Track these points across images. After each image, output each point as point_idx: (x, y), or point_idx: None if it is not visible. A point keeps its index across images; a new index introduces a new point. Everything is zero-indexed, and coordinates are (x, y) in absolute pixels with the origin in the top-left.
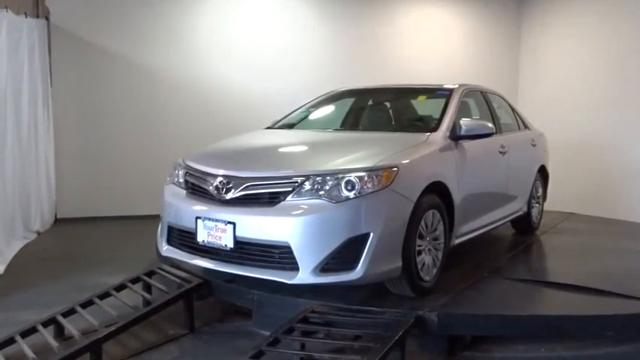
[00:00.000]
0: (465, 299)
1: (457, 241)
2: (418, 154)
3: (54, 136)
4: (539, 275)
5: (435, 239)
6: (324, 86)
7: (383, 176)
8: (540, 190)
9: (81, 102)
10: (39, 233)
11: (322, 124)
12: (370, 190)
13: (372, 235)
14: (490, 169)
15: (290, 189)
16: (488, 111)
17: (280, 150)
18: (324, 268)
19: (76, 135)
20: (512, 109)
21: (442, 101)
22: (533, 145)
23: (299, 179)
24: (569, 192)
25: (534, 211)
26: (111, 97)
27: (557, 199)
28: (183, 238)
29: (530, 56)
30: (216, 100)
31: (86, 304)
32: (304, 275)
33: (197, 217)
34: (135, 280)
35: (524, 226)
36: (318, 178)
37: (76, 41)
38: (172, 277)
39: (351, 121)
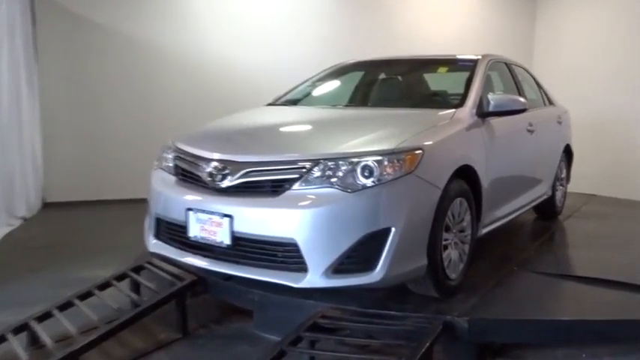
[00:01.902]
0: (495, 299)
1: (484, 231)
2: (445, 134)
3: (42, 115)
4: (573, 269)
5: (461, 231)
6: (329, 60)
7: (406, 160)
8: (564, 172)
9: (71, 79)
10: (25, 219)
11: (330, 100)
12: (391, 177)
13: (393, 229)
14: (519, 149)
15: (297, 176)
16: (514, 85)
17: (284, 130)
18: (338, 268)
19: (67, 113)
20: (537, 84)
21: (464, 74)
22: (559, 123)
23: (307, 164)
24: (589, 172)
25: (558, 194)
26: (103, 73)
27: (577, 179)
28: (173, 232)
29: (547, 26)
30: (215, 76)
31: (65, 306)
32: (314, 277)
33: (188, 209)
34: (121, 277)
35: (548, 210)
36: (329, 163)
37: (64, 13)
38: (163, 274)
39: (362, 97)
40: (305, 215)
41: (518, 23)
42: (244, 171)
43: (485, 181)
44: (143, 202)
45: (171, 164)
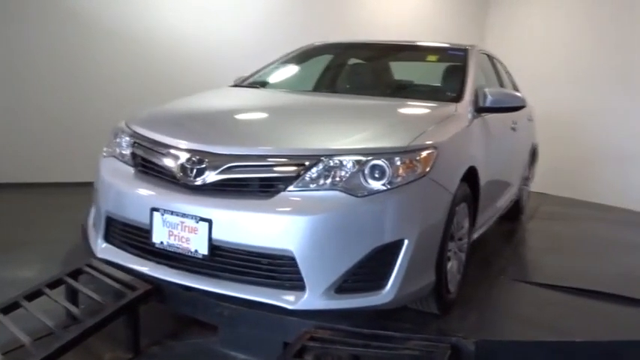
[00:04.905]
0: (494, 316)
1: (474, 237)
2: (453, 130)
3: None
4: (565, 278)
5: (460, 239)
6: (277, 43)
7: (421, 160)
8: (529, 171)
9: None
10: None
11: (310, 86)
12: (405, 180)
13: (406, 242)
14: (505, 148)
15: (294, 175)
16: (497, 79)
17: (272, 118)
18: (342, 287)
19: None
20: (511, 79)
21: (447, 64)
22: (530, 120)
23: (307, 161)
24: (539, 170)
25: (524, 195)
26: (23, 42)
27: None
28: (130, 235)
29: (498, 19)
30: (162, 52)
31: None
32: (313, 298)
33: (153, 209)
34: (55, 284)
35: (514, 211)
36: (334, 161)
37: None
38: (109, 280)
39: (348, 83)
40: (306, 223)
41: (471, 14)
42: (227, 166)
43: (483, 183)
44: (73, 186)
45: (127, 152)
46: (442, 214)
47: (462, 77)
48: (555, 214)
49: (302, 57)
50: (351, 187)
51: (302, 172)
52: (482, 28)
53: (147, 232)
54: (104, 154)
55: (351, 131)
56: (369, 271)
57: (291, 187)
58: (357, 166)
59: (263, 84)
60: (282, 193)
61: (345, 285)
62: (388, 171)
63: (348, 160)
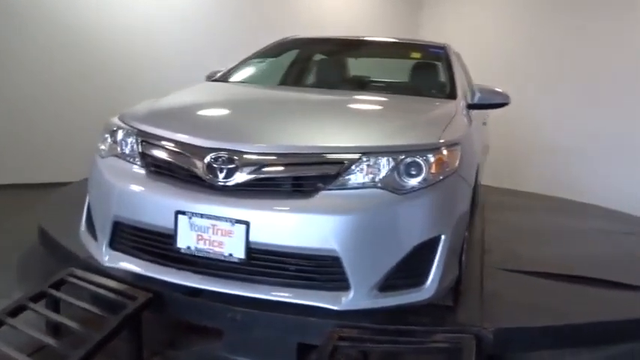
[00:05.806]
0: (497, 304)
1: None
2: (464, 127)
3: None
4: (540, 264)
5: None
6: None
7: (451, 156)
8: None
9: None
10: None
11: (307, 82)
12: (437, 177)
13: (443, 237)
14: (481, 143)
15: (333, 172)
16: (466, 76)
17: (293, 114)
18: (385, 285)
19: None
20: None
21: (431, 62)
22: (488, 116)
23: (346, 159)
24: None
25: (479, 186)
26: None
27: None
28: (146, 241)
29: (430, 18)
30: (123, 47)
31: None
32: (358, 297)
33: (178, 212)
34: (37, 297)
35: (472, 202)
36: (371, 158)
37: None
38: (101, 290)
39: (340, 79)
40: (351, 221)
41: (404, 12)
42: (260, 165)
43: (480, 178)
44: (29, 188)
45: (133, 151)
46: (467, 209)
47: (449, 74)
48: (504, 204)
49: (278, 51)
50: (389, 185)
51: (341, 170)
52: (415, 27)
53: (168, 236)
54: (102, 153)
55: (382, 128)
56: (411, 267)
57: (330, 186)
58: (393, 163)
59: (252, 79)
60: (323, 192)
61: (389, 283)
62: (425, 168)
63: (386, 157)
